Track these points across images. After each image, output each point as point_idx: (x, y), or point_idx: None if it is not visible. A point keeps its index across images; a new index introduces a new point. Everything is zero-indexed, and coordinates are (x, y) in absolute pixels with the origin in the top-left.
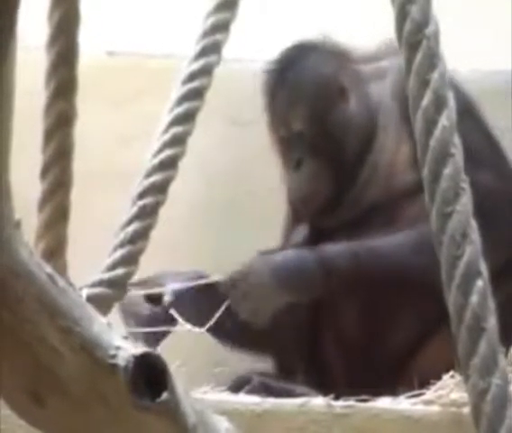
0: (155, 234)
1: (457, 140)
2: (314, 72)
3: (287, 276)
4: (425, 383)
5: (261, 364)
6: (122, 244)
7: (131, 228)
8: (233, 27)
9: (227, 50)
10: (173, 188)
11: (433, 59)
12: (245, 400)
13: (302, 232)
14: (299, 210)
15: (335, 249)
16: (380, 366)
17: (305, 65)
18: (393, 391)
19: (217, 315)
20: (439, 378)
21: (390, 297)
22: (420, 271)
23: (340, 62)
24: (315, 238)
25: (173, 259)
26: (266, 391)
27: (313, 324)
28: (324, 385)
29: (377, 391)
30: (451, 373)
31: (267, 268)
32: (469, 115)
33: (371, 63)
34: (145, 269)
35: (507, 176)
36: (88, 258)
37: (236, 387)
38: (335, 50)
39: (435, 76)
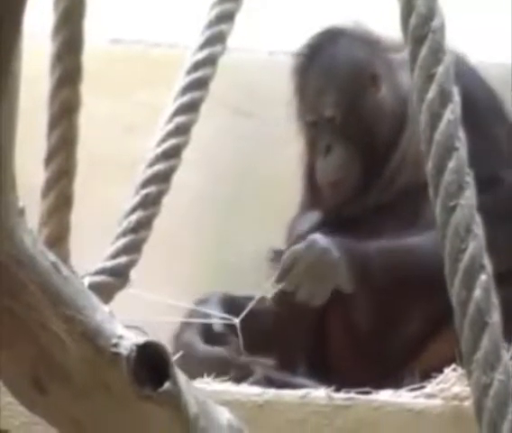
0: (158, 224)
1: (461, 134)
2: (345, 58)
3: (352, 255)
4: (427, 377)
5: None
6: (124, 233)
7: (134, 217)
8: (238, 17)
9: (232, 40)
10: (177, 178)
11: (438, 53)
12: (247, 390)
13: (311, 220)
14: (327, 196)
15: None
16: (386, 360)
17: (336, 50)
18: (398, 384)
19: (251, 305)
20: (441, 371)
21: (400, 291)
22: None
23: (371, 49)
24: (334, 225)
25: (176, 249)
26: (269, 383)
27: (318, 314)
28: (327, 377)
29: (382, 385)
30: (453, 366)
31: (331, 245)
32: (494, 111)
33: (401, 52)
34: (148, 259)
35: None
36: (91, 246)
37: (239, 379)
38: (366, 37)
39: (441, 70)
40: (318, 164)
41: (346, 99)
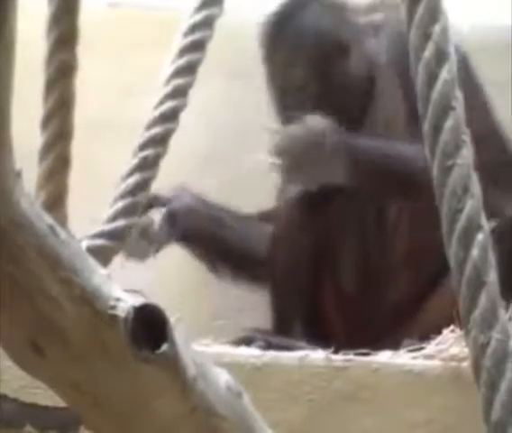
0: (158, 188)
1: (458, 93)
2: (315, 26)
3: (341, 142)
4: (426, 338)
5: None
6: (122, 196)
7: (132, 180)
8: None
9: (229, 2)
10: (175, 142)
11: (434, 12)
12: (245, 352)
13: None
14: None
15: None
16: (382, 319)
17: (305, 18)
18: (395, 344)
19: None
20: (439, 332)
21: (394, 246)
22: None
23: (339, 16)
24: (312, 196)
25: None
26: (270, 349)
27: (313, 274)
28: (324, 339)
29: (378, 345)
30: (451, 327)
31: (323, 129)
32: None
33: (366, 16)
34: None
35: None
36: (89, 209)
37: (239, 343)
38: (333, 4)
39: (437, 29)
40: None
41: (316, 68)
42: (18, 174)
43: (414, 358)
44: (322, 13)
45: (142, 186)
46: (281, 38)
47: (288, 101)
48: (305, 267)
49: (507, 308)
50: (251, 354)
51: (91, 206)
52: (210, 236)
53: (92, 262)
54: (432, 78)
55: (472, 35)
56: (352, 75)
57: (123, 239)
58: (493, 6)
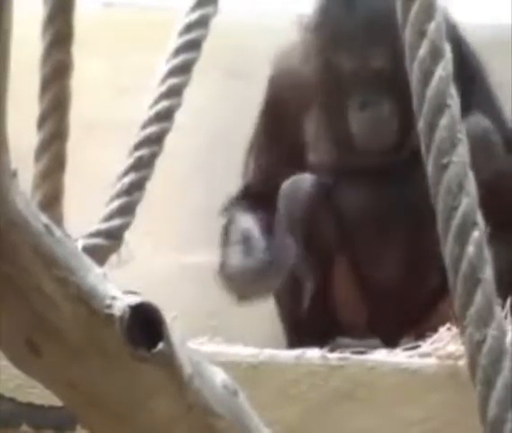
0: (153, 188)
1: (453, 90)
2: (388, 7)
3: None
4: (422, 336)
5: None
6: (118, 195)
7: (127, 179)
8: None
9: (224, 1)
10: (172, 142)
11: (430, 9)
12: (241, 351)
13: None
14: (365, 152)
15: None
16: (414, 309)
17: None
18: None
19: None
20: (435, 331)
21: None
22: None
23: None
24: (330, 183)
25: (172, 213)
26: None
27: (327, 270)
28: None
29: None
30: (447, 325)
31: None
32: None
33: None
34: (143, 222)
35: None
36: (84, 208)
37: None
38: None
39: (432, 26)
40: (355, 119)
41: (396, 51)
42: (14, 174)
43: (410, 356)
44: None
45: (138, 185)
46: (352, 15)
47: (357, 86)
48: (322, 251)
49: (502, 306)
50: (247, 352)
51: (87, 205)
52: None
53: (88, 261)
54: (427, 75)
55: (472, 34)
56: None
57: (119, 238)
58: (492, 5)
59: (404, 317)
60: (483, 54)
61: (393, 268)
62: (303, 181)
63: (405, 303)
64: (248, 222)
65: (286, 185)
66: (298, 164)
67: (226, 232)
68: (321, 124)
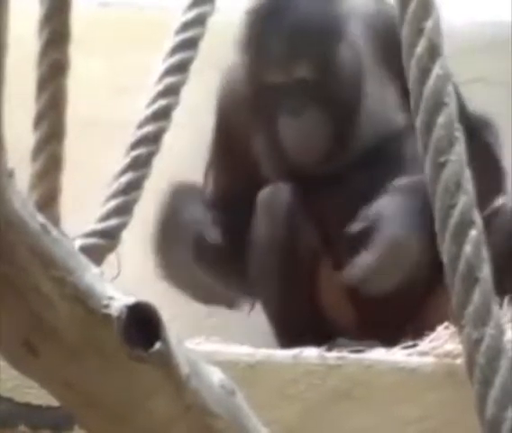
0: (150, 187)
1: (451, 89)
2: (313, 15)
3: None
4: (420, 335)
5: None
6: (115, 195)
7: (124, 178)
8: None
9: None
10: (169, 141)
11: (427, 7)
12: (238, 351)
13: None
14: (297, 163)
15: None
16: (398, 308)
17: (301, 7)
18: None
19: None
20: (433, 329)
21: None
22: None
23: (336, 2)
24: (305, 189)
25: None
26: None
27: (315, 264)
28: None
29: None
30: (445, 324)
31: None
32: None
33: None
34: (140, 221)
35: None
36: (81, 208)
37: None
38: None
39: (429, 24)
40: (284, 128)
41: (319, 59)
42: (10, 174)
43: (408, 355)
44: (315, 2)
45: (135, 185)
46: (274, 25)
47: (283, 96)
48: (306, 257)
49: (500, 304)
50: (244, 351)
51: (84, 204)
52: None
53: (85, 260)
54: (424, 73)
55: (467, 31)
56: (350, 65)
57: (116, 238)
58: (492, 2)
59: (394, 314)
60: (483, 52)
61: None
62: (280, 189)
63: (393, 300)
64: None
65: (263, 194)
66: (255, 181)
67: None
68: (264, 139)
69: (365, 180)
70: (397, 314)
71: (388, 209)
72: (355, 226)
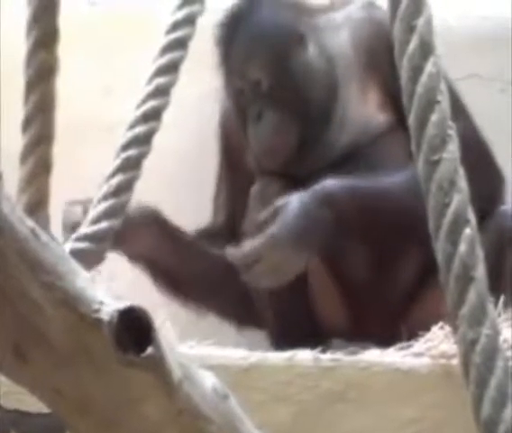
0: (142, 188)
1: (443, 87)
2: (269, 20)
3: (302, 234)
4: (415, 335)
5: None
6: (105, 197)
7: (114, 181)
8: None
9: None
10: (159, 141)
11: (418, 4)
12: (231, 354)
13: (268, 183)
14: (263, 164)
15: (336, 186)
16: (392, 306)
17: (259, 14)
18: (386, 342)
19: None
20: (428, 330)
21: (384, 245)
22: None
23: (294, 11)
24: (288, 187)
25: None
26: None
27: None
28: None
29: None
30: (440, 324)
31: (282, 234)
32: None
33: (324, 14)
34: None
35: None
36: None
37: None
38: (288, 1)
39: (421, 21)
40: (250, 132)
41: (272, 61)
42: None
43: (403, 356)
44: (276, 8)
45: (126, 187)
46: (236, 35)
47: (247, 100)
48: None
49: (495, 304)
50: (238, 355)
51: None
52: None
53: (75, 265)
54: (416, 71)
55: (462, 26)
56: (310, 67)
57: (106, 241)
58: None
59: (386, 311)
60: (483, 48)
61: (366, 263)
62: (272, 182)
63: (384, 295)
64: None
65: (255, 187)
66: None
67: None
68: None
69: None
70: (390, 312)
71: (293, 208)
72: (264, 213)
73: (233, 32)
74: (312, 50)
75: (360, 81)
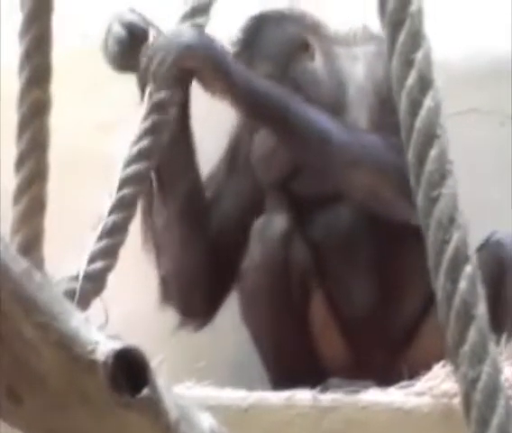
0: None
1: (443, 121)
2: (279, 30)
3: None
4: (415, 373)
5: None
6: (100, 237)
7: (109, 220)
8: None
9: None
10: None
11: (417, 37)
12: (230, 394)
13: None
14: (262, 172)
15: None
16: (393, 341)
17: (270, 26)
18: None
19: None
20: (430, 368)
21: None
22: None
23: (306, 24)
24: (292, 225)
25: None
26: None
27: (306, 299)
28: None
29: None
30: (441, 362)
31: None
32: None
33: (343, 45)
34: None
35: None
36: (66, 250)
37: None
38: (303, 16)
39: (420, 55)
40: (254, 139)
41: (278, 65)
42: None
43: (404, 395)
44: (287, 21)
45: (121, 226)
46: (248, 48)
47: None
48: (298, 290)
49: (497, 342)
50: (237, 395)
51: (68, 247)
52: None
53: (69, 305)
54: (415, 105)
55: (471, 60)
56: (316, 75)
57: (101, 281)
58: (492, 31)
59: (387, 349)
60: (483, 81)
61: (367, 296)
62: (275, 219)
63: (385, 332)
64: None
65: (258, 223)
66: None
67: None
68: None
69: (354, 206)
70: (391, 349)
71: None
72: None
73: (245, 46)
74: (319, 61)
75: (369, 112)
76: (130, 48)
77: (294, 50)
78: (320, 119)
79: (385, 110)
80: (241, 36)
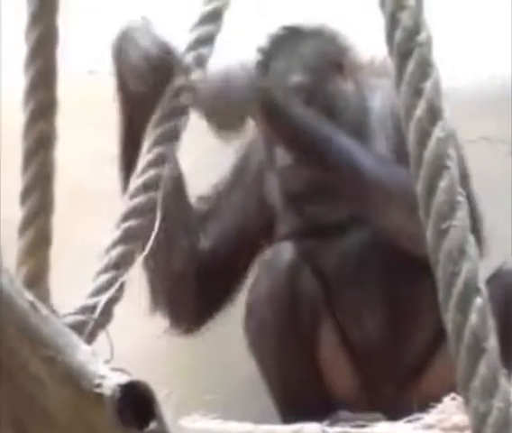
0: None
1: (452, 151)
2: (315, 43)
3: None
4: (425, 406)
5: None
6: (106, 269)
7: (115, 252)
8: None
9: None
10: None
11: (425, 67)
12: (236, 427)
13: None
14: (285, 181)
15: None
16: (405, 372)
17: (306, 39)
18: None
19: None
20: (439, 400)
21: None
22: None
23: (340, 44)
24: (300, 257)
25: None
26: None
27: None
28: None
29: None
30: (452, 395)
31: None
32: None
33: (365, 73)
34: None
35: None
36: (72, 283)
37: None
38: (336, 35)
39: (428, 85)
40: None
41: (313, 78)
42: None
43: (413, 428)
44: (324, 38)
45: (126, 258)
46: (280, 52)
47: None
48: (307, 321)
49: (508, 375)
50: (243, 428)
51: (74, 279)
52: None
53: (75, 338)
54: (424, 136)
55: (480, 88)
56: (346, 99)
57: (108, 314)
58: (493, 57)
59: (396, 378)
60: (492, 109)
61: (377, 326)
62: (282, 250)
63: (394, 364)
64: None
65: (266, 255)
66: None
67: None
68: None
69: (366, 236)
70: (400, 381)
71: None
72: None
73: (275, 49)
74: (350, 84)
75: (390, 142)
76: (159, 71)
77: (330, 68)
78: (357, 151)
79: (403, 142)
80: (271, 44)
